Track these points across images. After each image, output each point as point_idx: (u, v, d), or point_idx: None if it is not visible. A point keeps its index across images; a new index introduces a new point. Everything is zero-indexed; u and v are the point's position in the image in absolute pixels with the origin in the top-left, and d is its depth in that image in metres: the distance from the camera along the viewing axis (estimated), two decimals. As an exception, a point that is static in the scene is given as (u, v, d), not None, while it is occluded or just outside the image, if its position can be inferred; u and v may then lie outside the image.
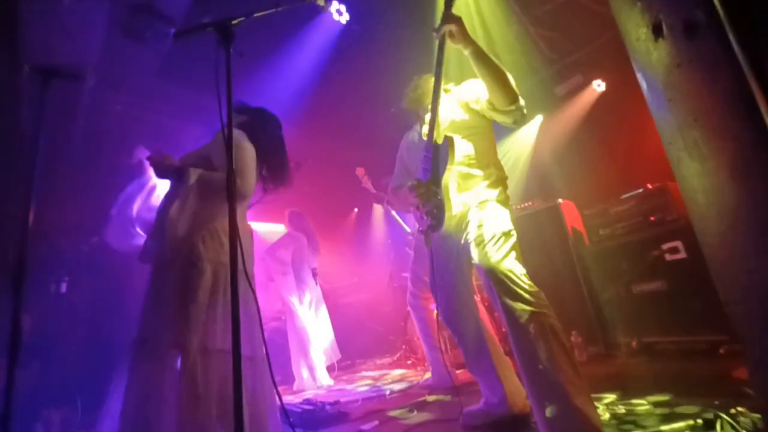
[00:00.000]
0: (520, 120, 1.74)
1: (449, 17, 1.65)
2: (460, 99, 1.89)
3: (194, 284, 1.43)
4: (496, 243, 1.60)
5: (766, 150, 0.50)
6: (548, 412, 1.38)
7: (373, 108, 4.88)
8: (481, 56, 1.64)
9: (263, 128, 1.87)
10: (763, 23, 0.51)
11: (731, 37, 0.50)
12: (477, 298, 2.38)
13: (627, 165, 4.08)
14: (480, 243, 1.62)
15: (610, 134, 4.48)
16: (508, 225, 1.67)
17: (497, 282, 1.53)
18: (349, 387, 3.50)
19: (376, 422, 2.15)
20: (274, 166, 1.84)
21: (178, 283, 1.44)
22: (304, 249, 4.12)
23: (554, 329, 1.46)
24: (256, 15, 1.25)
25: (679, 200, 2.77)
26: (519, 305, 1.49)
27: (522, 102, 1.70)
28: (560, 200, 3.44)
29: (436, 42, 1.73)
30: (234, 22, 1.20)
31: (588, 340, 3.04)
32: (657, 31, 0.65)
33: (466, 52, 1.66)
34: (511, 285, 1.51)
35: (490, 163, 1.81)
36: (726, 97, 0.55)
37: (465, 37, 1.64)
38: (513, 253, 1.60)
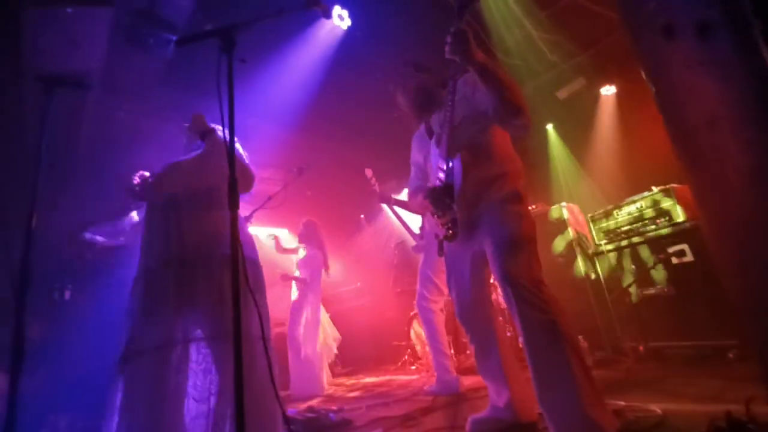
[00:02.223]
0: (523, 133, 1.65)
1: (453, 44, 1.50)
2: (468, 93, 1.78)
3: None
4: (515, 249, 1.55)
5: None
6: (562, 420, 1.36)
7: (378, 112, 4.89)
8: (483, 75, 1.53)
9: None
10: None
11: (759, 36, 0.49)
12: (493, 296, 2.35)
13: (632, 167, 4.05)
14: (499, 248, 1.57)
15: (614, 136, 4.47)
16: (527, 229, 1.61)
17: (516, 290, 1.49)
18: (352, 394, 3.48)
19: (380, 430, 2.13)
20: None
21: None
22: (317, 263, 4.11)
23: (569, 338, 1.42)
24: (257, 22, 1.25)
25: (685, 203, 2.74)
26: (535, 313, 1.46)
27: (526, 117, 1.58)
28: (565, 203, 3.42)
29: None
30: (235, 29, 1.20)
31: (594, 345, 3.01)
32: (668, 33, 0.63)
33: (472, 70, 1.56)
34: (527, 292, 1.48)
35: (505, 157, 1.75)
36: (741, 99, 0.54)
37: (467, 61, 1.52)
38: (531, 258, 1.55)
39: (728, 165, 0.58)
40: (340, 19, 3.84)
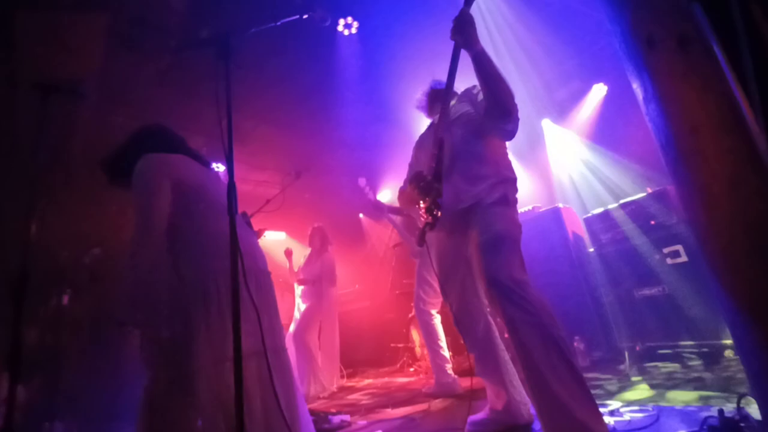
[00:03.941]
0: (507, 138, 1.69)
1: (457, 26, 1.57)
2: (470, 95, 1.84)
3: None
4: (498, 249, 1.56)
5: (759, 163, 0.50)
6: (552, 423, 1.36)
7: (378, 114, 4.91)
8: (480, 62, 1.57)
9: None
10: (748, 38, 0.52)
11: (717, 51, 0.50)
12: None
13: (627, 168, 4.08)
14: (483, 249, 1.58)
15: (609, 138, 4.50)
16: (511, 230, 1.62)
17: (499, 290, 1.49)
18: (351, 396, 3.48)
19: (379, 431, 2.14)
20: None
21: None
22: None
23: (556, 340, 1.41)
24: (253, 30, 1.26)
25: (679, 204, 2.77)
26: (519, 313, 1.45)
27: (515, 122, 1.63)
28: (560, 205, 3.44)
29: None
30: (232, 37, 1.21)
31: (591, 346, 3.03)
32: (651, 44, 0.65)
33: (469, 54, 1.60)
34: (510, 292, 1.47)
35: (498, 162, 1.76)
36: (719, 109, 0.56)
37: (467, 44, 1.58)
38: (516, 260, 1.56)
39: (709, 171, 0.60)
40: (347, 28, 3.85)
